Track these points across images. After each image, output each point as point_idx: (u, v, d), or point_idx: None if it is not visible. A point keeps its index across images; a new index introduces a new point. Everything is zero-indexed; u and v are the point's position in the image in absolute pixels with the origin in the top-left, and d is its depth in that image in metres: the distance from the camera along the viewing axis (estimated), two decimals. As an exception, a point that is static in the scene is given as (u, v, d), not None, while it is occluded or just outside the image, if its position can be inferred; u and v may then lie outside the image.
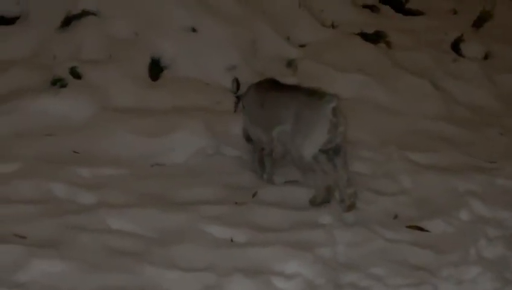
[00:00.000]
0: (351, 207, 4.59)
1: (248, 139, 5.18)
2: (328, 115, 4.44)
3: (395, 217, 4.62)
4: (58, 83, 5.76)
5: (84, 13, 6.47)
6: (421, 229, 4.49)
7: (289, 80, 5.86)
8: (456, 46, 8.12)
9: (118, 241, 4.05)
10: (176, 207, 4.46)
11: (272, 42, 6.93)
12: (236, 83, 6.15)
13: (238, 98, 5.27)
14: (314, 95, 4.58)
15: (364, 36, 7.56)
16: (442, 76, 7.32)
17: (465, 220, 4.64)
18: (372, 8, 8.79)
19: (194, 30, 6.60)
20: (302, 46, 7.23)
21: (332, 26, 7.77)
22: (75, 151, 5.12)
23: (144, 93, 5.94)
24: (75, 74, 5.83)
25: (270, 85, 5.04)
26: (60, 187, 4.58)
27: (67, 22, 6.46)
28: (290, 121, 4.60)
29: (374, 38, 7.61)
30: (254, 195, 4.70)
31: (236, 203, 4.57)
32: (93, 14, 6.49)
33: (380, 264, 4.07)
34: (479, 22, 8.95)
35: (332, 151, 4.57)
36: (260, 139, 5.00)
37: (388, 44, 7.67)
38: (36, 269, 3.68)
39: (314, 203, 4.63)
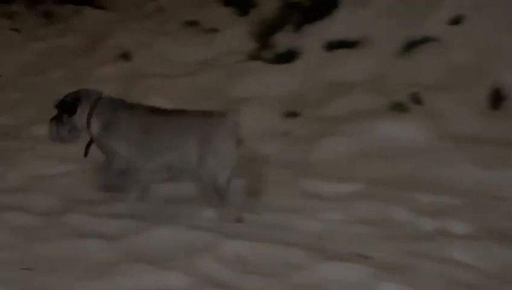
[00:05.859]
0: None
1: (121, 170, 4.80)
2: (234, 132, 4.45)
3: None
4: (398, 107, 5.82)
5: (426, 39, 6.50)
6: None
7: None
8: None
9: (456, 272, 3.93)
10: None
11: None
12: None
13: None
14: (213, 115, 4.54)
15: None
16: None
17: None
18: None
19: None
20: None
21: None
22: (413, 176, 5.12)
23: (484, 123, 5.81)
24: (416, 99, 5.88)
25: (150, 109, 4.72)
26: (399, 211, 4.60)
27: (408, 47, 6.52)
28: (192, 147, 4.47)
29: None
30: None
31: None
32: (435, 40, 6.49)
33: None
34: None
35: None
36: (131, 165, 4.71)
37: None
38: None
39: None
